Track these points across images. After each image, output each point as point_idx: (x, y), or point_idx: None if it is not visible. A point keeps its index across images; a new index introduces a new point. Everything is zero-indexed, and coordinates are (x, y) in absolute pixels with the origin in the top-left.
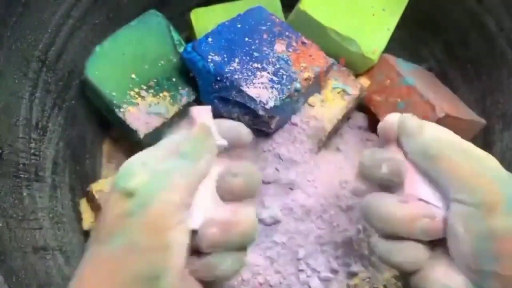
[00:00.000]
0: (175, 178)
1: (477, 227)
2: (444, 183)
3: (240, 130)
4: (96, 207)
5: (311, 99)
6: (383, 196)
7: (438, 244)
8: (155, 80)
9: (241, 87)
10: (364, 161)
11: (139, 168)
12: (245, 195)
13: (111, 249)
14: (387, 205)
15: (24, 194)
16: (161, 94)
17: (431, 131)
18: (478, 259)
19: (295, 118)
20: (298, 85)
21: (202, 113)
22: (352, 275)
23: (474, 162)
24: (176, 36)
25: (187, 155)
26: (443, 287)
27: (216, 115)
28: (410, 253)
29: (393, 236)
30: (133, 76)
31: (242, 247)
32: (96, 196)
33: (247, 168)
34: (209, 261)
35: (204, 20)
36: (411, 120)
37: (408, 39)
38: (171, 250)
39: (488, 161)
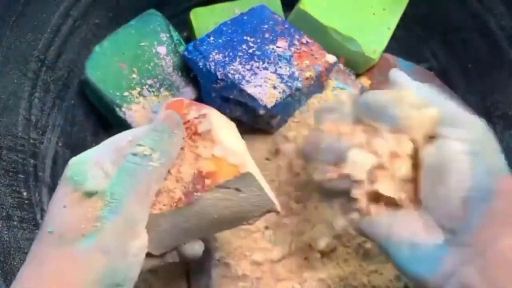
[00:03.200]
0: (138, 184)
1: (480, 166)
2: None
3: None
4: None
5: (312, 99)
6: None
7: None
8: (155, 80)
9: (242, 87)
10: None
11: (92, 167)
12: None
13: (80, 249)
14: None
15: (24, 194)
16: (161, 94)
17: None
18: (471, 197)
19: (295, 117)
20: (299, 84)
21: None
22: None
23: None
24: (176, 35)
25: (143, 155)
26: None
27: None
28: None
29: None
30: (134, 75)
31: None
32: None
33: None
34: None
35: (204, 19)
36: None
37: (409, 39)
38: (135, 260)
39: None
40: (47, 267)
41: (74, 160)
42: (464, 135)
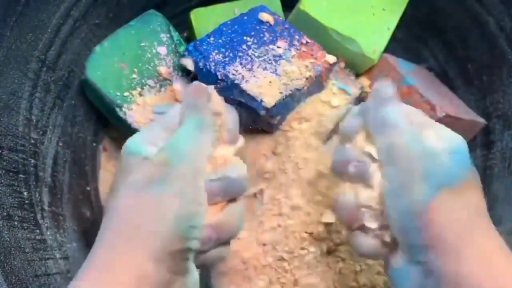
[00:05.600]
0: (198, 135)
1: (399, 204)
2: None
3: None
4: None
5: (312, 99)
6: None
7: None
8: (155, 80)
9: (242, 87)
10: (334, 159)
11: (146, 144)
12: (233, 194)
13: (157, 193)
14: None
15: (24, 194)
16: (162, 94)
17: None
18: (407, 235)
19: (295, 117)
20: (299, 84)
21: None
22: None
23: (415, 141)
24: (176, 36)
25: (195, 120)
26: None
27: None
28: (368, 243)
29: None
30: (134, 75)
31: (228, 242)
32: None
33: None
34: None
35: (204, 20)
36: (385, 88)
37: (408, 39)
38: (202, 199)
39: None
40: (124, 213)
41: (127, 143)
42: (390, 174)
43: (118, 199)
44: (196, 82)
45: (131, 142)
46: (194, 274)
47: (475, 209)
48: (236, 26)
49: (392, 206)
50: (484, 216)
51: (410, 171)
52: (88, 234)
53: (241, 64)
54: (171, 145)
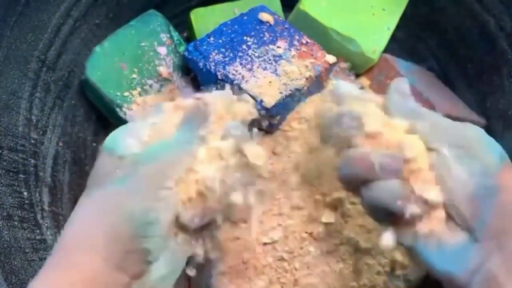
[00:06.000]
0: (182, 148)
1: (473, 166)
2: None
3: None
4: None
5: (312, 98)
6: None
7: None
8: (155, 80)
9: (242, 87)
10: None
11: (127, 137)
12: None
13: (112, 190)
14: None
15: (24, 194)
16: (162, 94)
17: None
18: (478, 200)
19: (295, 117)
20: (299, 85)
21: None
22: None
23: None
24: (176, 36)
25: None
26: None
27: None
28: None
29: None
30: (134, 75)
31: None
32: None
33: None
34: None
35: (204, 20)
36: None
37: (408, 39)
38: (165, 204)
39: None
40: (81, 211)
41: (107, 138)
42: (449, 143)
43: (81, 198)
44: (200, 98)
45: (110, 138)
46: (154, 274)
47: None
48: (236, 26)
49: (463, 168)
50: None
51: (474, 142)
52: None
53: (241, 64)
54: (150, 148)
